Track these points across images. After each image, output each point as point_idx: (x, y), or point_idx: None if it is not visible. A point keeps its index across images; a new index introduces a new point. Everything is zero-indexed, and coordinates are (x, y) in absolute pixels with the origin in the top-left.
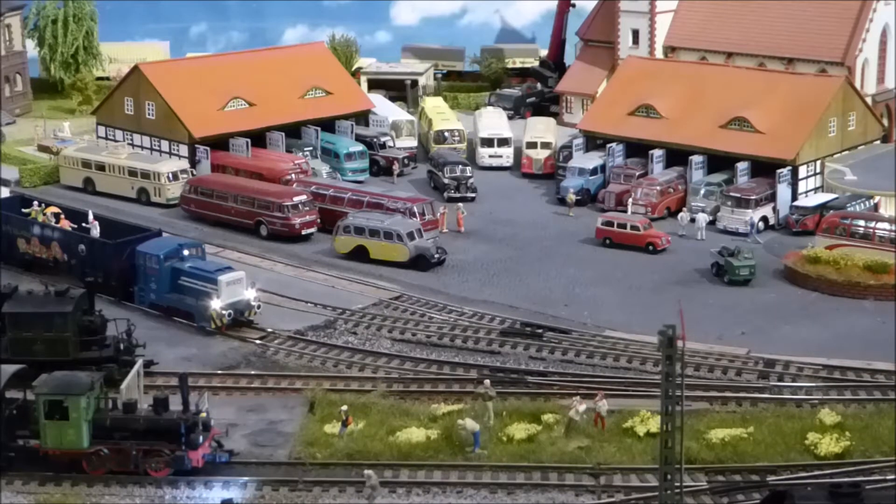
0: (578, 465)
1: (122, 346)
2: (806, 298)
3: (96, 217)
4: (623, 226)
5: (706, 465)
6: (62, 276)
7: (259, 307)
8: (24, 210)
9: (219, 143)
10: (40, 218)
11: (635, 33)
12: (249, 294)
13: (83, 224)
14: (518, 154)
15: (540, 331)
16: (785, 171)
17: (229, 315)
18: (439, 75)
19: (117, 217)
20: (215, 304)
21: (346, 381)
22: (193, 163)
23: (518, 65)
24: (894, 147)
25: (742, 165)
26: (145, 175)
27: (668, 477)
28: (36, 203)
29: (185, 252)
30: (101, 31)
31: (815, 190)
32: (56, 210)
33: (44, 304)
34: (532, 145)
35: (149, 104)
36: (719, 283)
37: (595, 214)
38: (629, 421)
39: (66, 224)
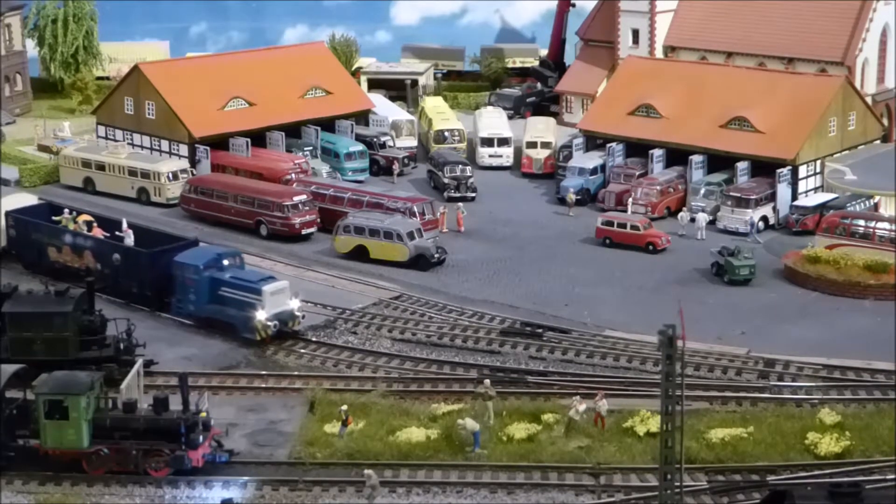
0: (578, 464)
1: (122, 346)
2: (806, 298)
3: (130, 225)
4: (623, 225)
5: (706, 464)
6: (96, 285)
7: (303, 317)
8: (53, 218)
9: (219, 142)
10: (71, 226)
11: (635, 33)
12: (293, 304)
13: (116, 233)
14: (518, 154)
15: (540, 330)
16: (785, 170)
17: (275, 326)
18: (439, 75)
19: (153, 226)
20: (260, 315)
21: (346, 381)
22: (193, 162)
23: (518, 64)
24: (894, 147)
25: (742, 165)
26: (145, 175)
27: (668, 477)
28: (66, 211)
29: (225, 262)
30: (101, 31)
31: (815, 190)
32: (88, 218)
33: (44, 304)
34: (532, 145)
35: (149, 104)
36: (719, 283)
37: (595, 214)
38: (629, 421)
39: (98, 232)
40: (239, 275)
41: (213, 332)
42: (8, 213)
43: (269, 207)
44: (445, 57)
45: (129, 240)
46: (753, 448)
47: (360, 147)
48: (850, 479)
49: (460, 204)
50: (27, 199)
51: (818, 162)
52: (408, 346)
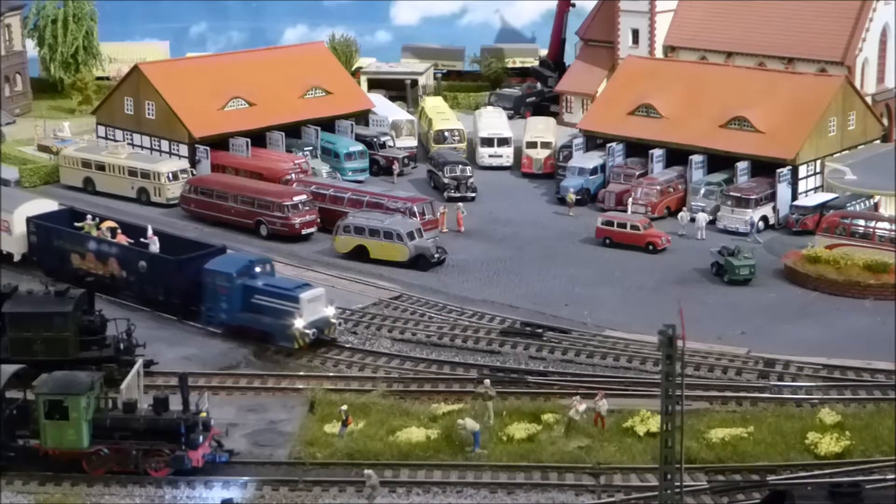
0: (578, 464)
1: (122, 346)
2: (806, 298)
3: (156, 232)
4: (623, 225)
5: (706, 464)
6: (120, 293)
7: (339, 324)
8: (75, 224)
9: (219, 142)
10: (94, 232)
11: (635, 33)
12: (329, 311)
13: (141, 239)
14: (518, 154)
15: (540, 330)
16: (785, 170)
17: (313, 334)
18: (439, 75)
19: (178, 233)
20: (299, 324)
21: (346, 381)
22: (193, 163)
23: (518, 64)
24: (894, 146)
25: (742, 165)
26: (145, 175)
27: (668, 476)
28: (89, 217)
29: (257, 269)
30: (101, 31)
31: (815, 189)
32: (112, 224)
33: (44, 304)
34: (532, 145)
35: (149, 104)
36: (719, 283)
37: (595, 214)
38: (629, 420)
39: (123, 239)
40: (273, 282)
41: (214, 333)
42: (29, 219)
43: (269, 207)
44: (445, 57)
45: (155, 247)
46: (753, 448)
47: (360, 147)
48: (850, 479)
49: (460, 204)
50: (48, 205)
51: (818, 162)
52: (408, 346)
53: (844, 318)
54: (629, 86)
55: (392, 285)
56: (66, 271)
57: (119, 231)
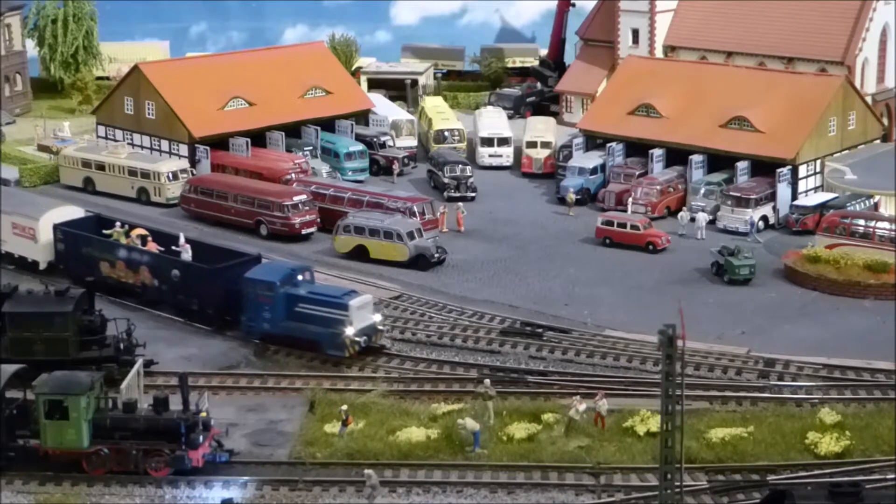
0: (578, 464)
1: (122, 346)
2: (806, 298)
3: (188, 240)
4: (623, 225)
5: (706, 464)
6: (152, 302)
7: (385, 330)
8: (104, 231)
9: (219, 142)
10: (123, 240)
11: (635, 33)
12: (376, 318)
13: (172, 247)
14: (518, 153)
15: (540, 330)
16: (785, 170)
17: (364, 342)
18: (439, 75)
19: (211, 241)
20: (349, 332)
21: (346, 380)
22: (193, 162)
23: (518, 64)
24: (894, 146)
25: (742, 165)
26: (145, 175)
27: (668, 476)
28: (118, 224)
29: (299, 277)
30: (101, 31)
31: (815, 189)
32: (143, 232)
33: (44, 304)
34: (532, 145)
35: (149, 104)
36: (719, 283)
37: (595, 214)
38: (629, 420)
39: (153, 247)
40: (318, 290)
41: (213, 333)
42: (56, 227)
43: (269, 207)
44: (445, 57)
45: (187, 255)
46: (753, 448)
47: (360, 147)
48: (850, 478)
49: (460, 204)
50: (73, 212)
51: (818, 161)
52: (408, 346)
53: (844, 318)
54: (629, 86)
55: (392, 285)
56: (95, 280)
57: (150, 239)
